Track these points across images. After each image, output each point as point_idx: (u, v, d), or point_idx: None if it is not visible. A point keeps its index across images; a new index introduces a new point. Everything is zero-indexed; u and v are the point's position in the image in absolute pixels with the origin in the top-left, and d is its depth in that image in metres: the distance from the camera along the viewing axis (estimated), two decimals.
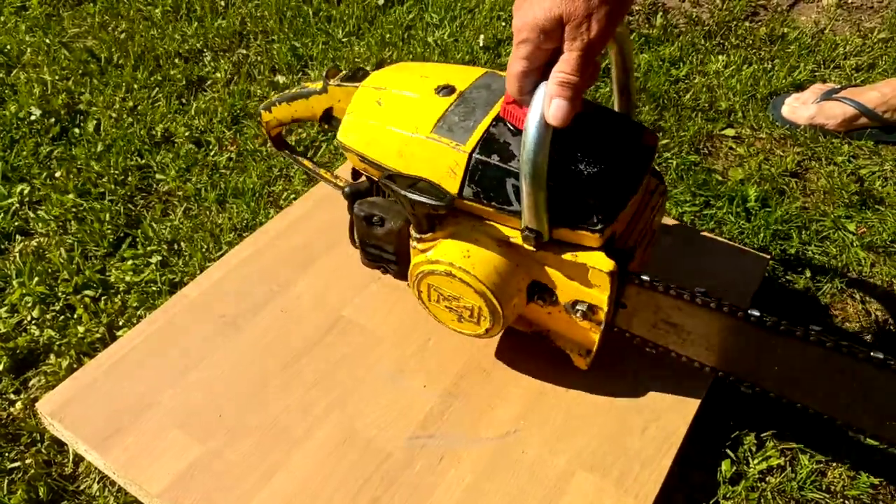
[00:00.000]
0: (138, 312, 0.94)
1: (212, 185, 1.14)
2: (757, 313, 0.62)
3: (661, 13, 1.58)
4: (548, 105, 0.55)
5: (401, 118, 0.71)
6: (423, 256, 0.71)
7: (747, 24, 1.56)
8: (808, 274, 0.99)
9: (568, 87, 0.53)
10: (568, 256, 0.67)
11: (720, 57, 1.44)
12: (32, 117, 1.27)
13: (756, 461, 0.77)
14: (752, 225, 1.06)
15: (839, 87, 1.27)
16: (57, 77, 1.38)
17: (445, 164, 0.67)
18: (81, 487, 0.76)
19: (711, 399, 0.80)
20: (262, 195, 1.12)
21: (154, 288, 0.97)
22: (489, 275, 0.68)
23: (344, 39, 1.51)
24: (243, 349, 0.84)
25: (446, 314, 0.74)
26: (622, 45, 0.70)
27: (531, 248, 0.67)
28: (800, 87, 1.35)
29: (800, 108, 1.26)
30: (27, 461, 0.77)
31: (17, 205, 1.11)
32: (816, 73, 1.40)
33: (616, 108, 0.74)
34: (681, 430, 0.75)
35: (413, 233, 0.72)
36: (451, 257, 0.68)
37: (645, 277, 0.67)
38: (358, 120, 0.74)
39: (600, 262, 0.66)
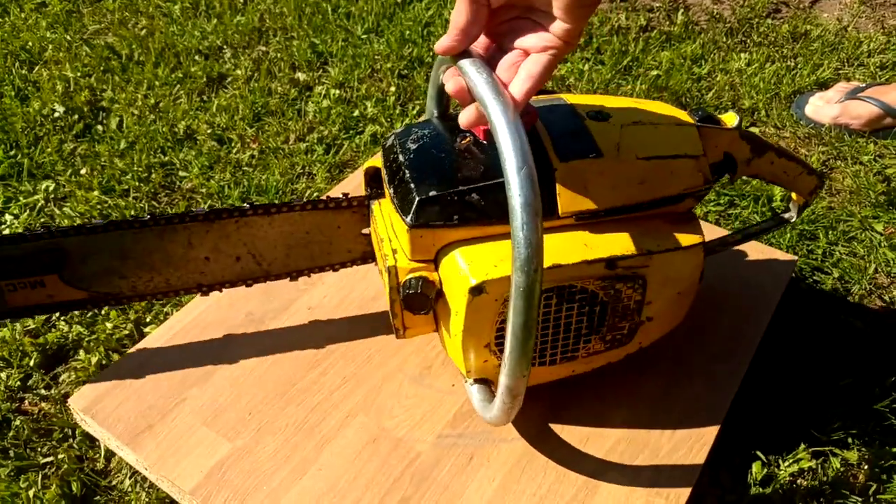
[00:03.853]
0: (165, 310, 0.94)
1: (235, 182, 1.14)
2: None
3: (682, 10, 1.57)
4: None
5: None
6: None
7: (769, 21, 1.55)
8: (836, 275, 0.98)
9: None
10: None
11: (742, 55, 1.43)
12: (56, 114, 1.27)
13: (787, 463, 0.77)
14: None
15: (864, 85, 1.26)
16: (79, 74, 1.38)
17: None
18: (114, 483, 0.77)
19: (741, 399, 0.79)
20: (286, 193, 1.12)
21: None
22: None
23: (363, 36, 1.51)
24: (270, 348, 0.84)
25: None
26: None
27: None
28: (824, 85, 1.35)
29: (824, 107, 1.25)
30: (60, 456, 0.78)
31: (43, 201, 1.11)
32: (840, 72, 1.39)
33: None
34: (712, 431, 0.75)
35: None
36: None
37: None
38: None
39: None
